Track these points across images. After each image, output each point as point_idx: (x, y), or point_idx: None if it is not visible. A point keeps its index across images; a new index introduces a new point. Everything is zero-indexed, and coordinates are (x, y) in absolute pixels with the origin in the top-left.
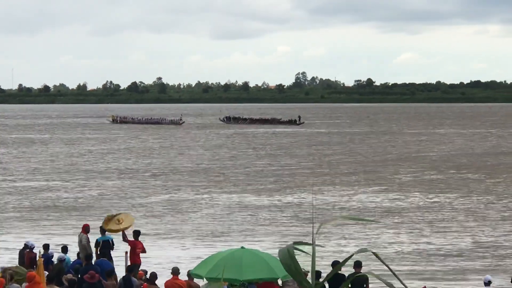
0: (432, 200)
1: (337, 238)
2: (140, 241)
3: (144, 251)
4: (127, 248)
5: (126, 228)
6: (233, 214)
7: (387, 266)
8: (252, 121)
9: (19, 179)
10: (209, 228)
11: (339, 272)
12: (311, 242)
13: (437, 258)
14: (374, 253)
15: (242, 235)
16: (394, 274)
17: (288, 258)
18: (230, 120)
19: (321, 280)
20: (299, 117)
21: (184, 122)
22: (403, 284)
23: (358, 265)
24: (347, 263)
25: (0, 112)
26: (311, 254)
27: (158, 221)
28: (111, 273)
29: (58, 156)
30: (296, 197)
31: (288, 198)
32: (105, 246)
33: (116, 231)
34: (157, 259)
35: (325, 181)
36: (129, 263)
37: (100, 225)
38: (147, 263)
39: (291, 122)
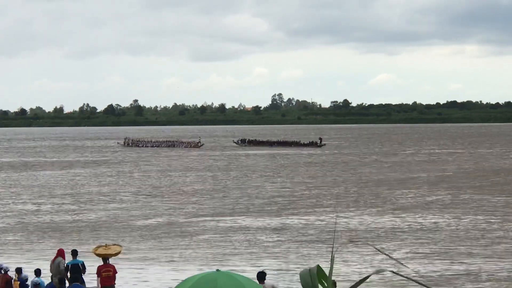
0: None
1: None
2: (111, 264)
3: (115, 274)
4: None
5: (114, 254)
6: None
7: (410, 279)
8: (271, 144)
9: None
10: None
11: None
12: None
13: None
14: (393, 272)
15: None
16: (421, 283)
17: (307, 275)
18: (244, 142)
19: None
20: (320, 139)
21: (203, 144)
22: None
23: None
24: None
25: None
26: (329, 271)
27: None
28: None
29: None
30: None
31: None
32: (75, 270)
33: (104, 255)
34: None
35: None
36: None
37: (71, 248)
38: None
39: (312, 144)
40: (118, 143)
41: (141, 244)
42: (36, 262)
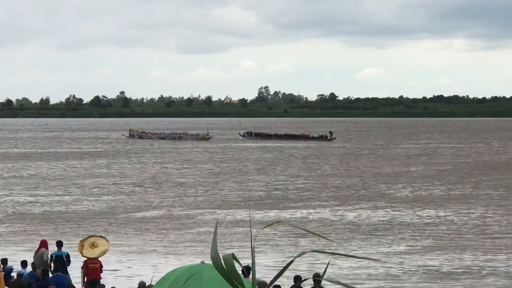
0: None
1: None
2: (98, 259)
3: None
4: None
5: (101, 255)
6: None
7: (331, 253)
8: (278, 137)
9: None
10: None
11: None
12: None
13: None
14: (315, 250)
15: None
16: (336, 253)
17: (226, 267)
18: (251, 135)
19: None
20: (331, 132)
21: (211, 137)
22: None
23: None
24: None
25: None
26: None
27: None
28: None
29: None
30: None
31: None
32: (59, 261)
33: (92, 258)
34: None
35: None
36: (85, 279)
37: (56, 239)
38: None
39: (322, 138)
40: (123, 134)
41: (132, 236)
42: (22, 254)
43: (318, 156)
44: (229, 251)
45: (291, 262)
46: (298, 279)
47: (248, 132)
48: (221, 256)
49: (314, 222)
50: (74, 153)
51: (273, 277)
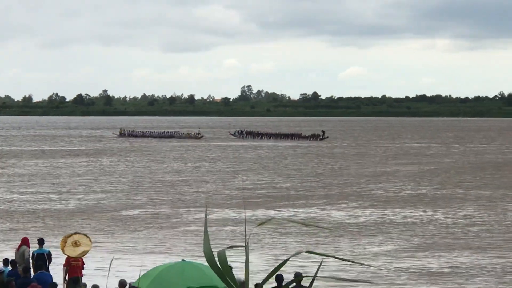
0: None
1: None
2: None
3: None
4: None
5: (83, 255)
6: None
7: (327, 255)
8: (270, 136)
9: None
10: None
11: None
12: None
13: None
14: (309, 251)
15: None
16: (337, 257)
17: (216, 261)
18: (242, 134)
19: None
20: (323, 131)
21: (203, 136)
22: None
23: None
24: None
25: None
26: (245, 257)
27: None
28: (54, 285)
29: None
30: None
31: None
32: (40, 259)
33: (75, 257)
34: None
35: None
36: (67, 277)
37: (38, 237)
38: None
39: (314, 137)
40: (113, 133)
41: (117, 234)
42: (5, 252)
43: (306, 155)
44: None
45: (286, 261)
46: (281, 279)
47: (239, 131)
48: (214, 251)
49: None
50: (64, 151)
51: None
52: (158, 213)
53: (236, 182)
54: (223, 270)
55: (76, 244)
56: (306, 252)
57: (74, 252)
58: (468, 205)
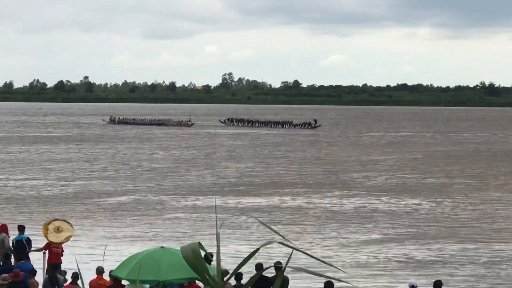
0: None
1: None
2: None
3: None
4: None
5: (67, 240)
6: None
7: (298, 250)
8: (261, 124)
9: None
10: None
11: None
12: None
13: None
14: (280, 243)
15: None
16: (307, 254)
17: (192, 256)
18: (232, 122)
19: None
20: (315, 120)
21: (193, 123)
22: (323, 261)
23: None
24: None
25: None
26: (216, 251)
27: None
28: (34, 272)
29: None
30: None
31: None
32: (19, 246)
33: (57, 243)
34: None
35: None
36: (46, 263)
37: (18, 223)
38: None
39: (306, 125)
40: (103, 120)
41: (99, 221)
42: None
43: (292, 144)
44: (196, 238)
45: (257, 250)
46: (260, 267)
47: (229, 119)
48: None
49: (289, 209)
50: (52, 138)
51: (237, 265)
52: (144, 200)
53: (221, 170)
54: (197, 264)
55: (58, 230)
56: (278, 242)
57: (58, 238)
58: (454, 194)
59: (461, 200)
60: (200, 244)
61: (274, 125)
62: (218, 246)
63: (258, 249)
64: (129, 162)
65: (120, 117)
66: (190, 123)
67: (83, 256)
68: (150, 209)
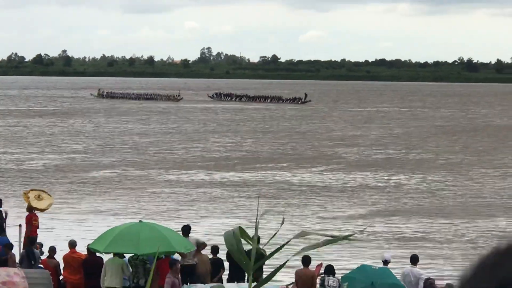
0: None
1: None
2: (36, 214)
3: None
4: (21, 221)
5: (49, 207)
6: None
7: (323, 235)
8: (249, 98)
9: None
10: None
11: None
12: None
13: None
14: (317, 233)
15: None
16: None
17: (232, 237)
18: (220, 96)
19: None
20: (306, 94)
21: (182, 98)
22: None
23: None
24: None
25: None
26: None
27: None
28: (11, 246)
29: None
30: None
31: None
32: None
33: (35, 208)
34: (55, 232)
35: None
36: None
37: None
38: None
39: (296, 100)
40: (91, 94)
41: (80, 195)
42: None
43: (275, 118)
44: (178, 213)
45: (288, 241)
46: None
47: (217, 93)
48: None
49: (274, 183)
50: (40, 111)
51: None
52: (128, 174)
53: (208, 144)
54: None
55: (39, 197)
56: (315, 233)
57: (41, 204)
58: (439, 170)
59: (445, 176)
60: (241, 228)
61: (263, 100)
62: (256, 228)
63: (289, 240)
64: (115, 137)
65: (109, 91)
66: (179, 97)
67: (61, 230)
68: (134, 183)
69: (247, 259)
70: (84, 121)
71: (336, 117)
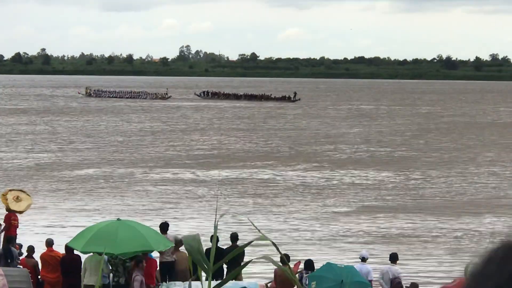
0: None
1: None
2: (15, 214)
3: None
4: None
5: (28, 208)
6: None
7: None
8: (237, 97)
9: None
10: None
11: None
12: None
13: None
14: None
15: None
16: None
17: (192, 240)
18: (208, 95)
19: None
20: (295, 93)
21: (170, 96)
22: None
23: (235, 238)
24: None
25: None
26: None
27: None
28: None
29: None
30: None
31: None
32: None
33: (20, 212)
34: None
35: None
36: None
37: None
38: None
39: (285, 99)
40: (79, 92)
41: (62, 194)
42: None
43: (259, 117)
44: (160, 212)
45: (248, 244)
46: (236, 237)
47: (204, 92)
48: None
49: (257, 182)
50: (31, 110)
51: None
52: (112, 173)
53: (193, 143)
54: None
55: (17, 198)
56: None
57: (20, 206)
58: (423, 167)
59: (429, 173)
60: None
61: (250, 99)
62: (214, 234)
63: (251, 242)
64: (100, 135)
65: (96, 90)
66: (166, 96)
67: (41, 228)
68: (118, 181)
69: (206, 259)
70: (73, 120)
71: (327, 115)
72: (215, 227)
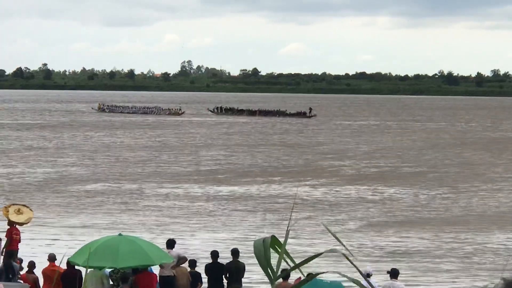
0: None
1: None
2: (17, 228)
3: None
4: (2, 235)
5: (28, 221)
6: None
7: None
8: (251, 113)
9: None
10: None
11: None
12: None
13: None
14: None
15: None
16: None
17: (261, 245)
18: (221, 111)
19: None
20: (310, 109)
21: (184, 112)
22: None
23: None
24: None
25: None
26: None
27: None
28: None
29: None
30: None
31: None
32: None
33: (15, 223)
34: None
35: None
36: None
37: None
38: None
39: (301, 114)
40: (92, 108)
41: (65, 209)
42: None
43: (265, 132)
44: (168, 228)
45: (319, 254)
46: (216, 256)
47: (217, 108)
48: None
49: (266, 197)
50: (44, 125)
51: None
52: (121, 188)
53: (205, 158)
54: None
55: (19, 211)
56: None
57: (20, 218)
58: (430, 183)
59: (436, 189)
60: (274, 237)
61: (265, 114)
62: (285, 242)
63: (321, 254)
64: (112, 150)
65: (110, 105)
66: (180, 111)
67: (44, 245)
68: (125, 196)
69: (272, 267)
70: (86, 135)
71: (339, 130)
72: (286, 237)
